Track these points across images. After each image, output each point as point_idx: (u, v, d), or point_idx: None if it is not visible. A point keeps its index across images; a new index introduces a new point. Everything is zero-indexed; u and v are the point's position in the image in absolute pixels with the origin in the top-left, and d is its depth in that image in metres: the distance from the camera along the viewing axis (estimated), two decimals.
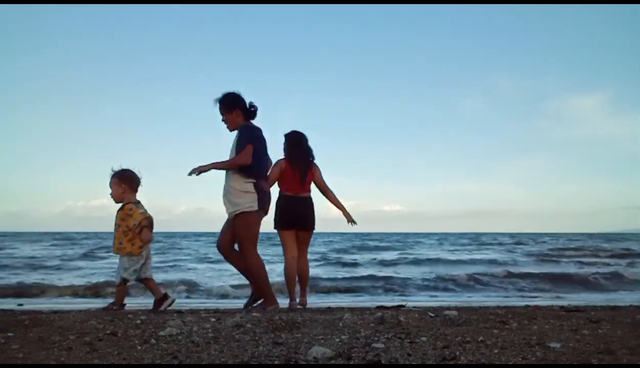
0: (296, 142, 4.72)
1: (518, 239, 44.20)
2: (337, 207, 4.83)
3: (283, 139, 4.89)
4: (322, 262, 16.18)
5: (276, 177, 4.60)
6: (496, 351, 2.68)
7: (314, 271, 9.57)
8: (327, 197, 4.82)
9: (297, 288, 5.20)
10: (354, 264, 15.38)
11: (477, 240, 44.71)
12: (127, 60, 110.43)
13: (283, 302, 5.08)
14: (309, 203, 4.67)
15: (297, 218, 4.62)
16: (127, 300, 5.07)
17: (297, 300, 5.05)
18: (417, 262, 16.85)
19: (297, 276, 4.92)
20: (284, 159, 4.67)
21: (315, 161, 4.73)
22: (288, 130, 4.72)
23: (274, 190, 4.69)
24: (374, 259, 17.56)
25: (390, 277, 11.18)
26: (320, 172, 4.77)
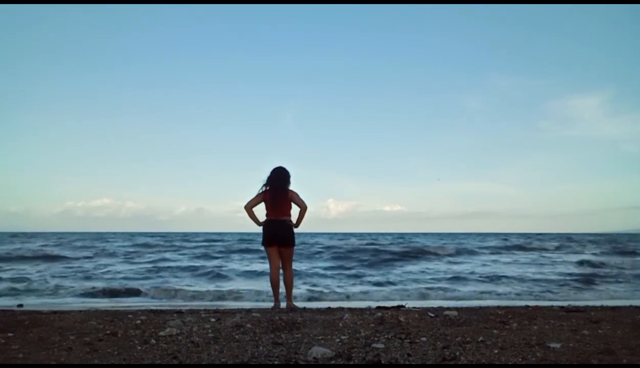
0: (275, 177, 5.56)
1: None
2: (298, 218, 5.64)
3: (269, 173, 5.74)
4: None
5: (257, 203, 5.50)
6: (496, 351, 2.68)
7: None
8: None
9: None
10: None
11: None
12: (125, 62, 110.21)
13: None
14: (285, 225, 5.42)
15: (275, 237, 5.40)
16: (127, 302, 5.07)
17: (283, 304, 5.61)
18: None
19: (284, 285, 5.63)
20: (265, 190, 5.46)
21: (291, 188, 5.57)
22: (274, 166, 5.62)
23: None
24: None
25: None
26: (296, 194, 5.57)
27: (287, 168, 5.58)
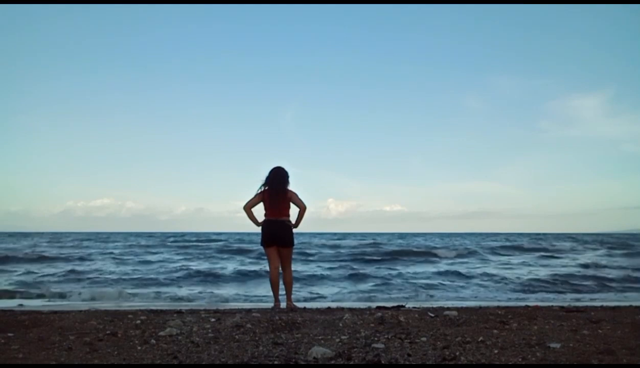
0: (274, 177, 5.45)
1: None
2: (297, 218, 5.64)
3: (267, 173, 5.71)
4: None
5: (256, 203, 5.49)
6: (496, 351, 2.68)
7: None
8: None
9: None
10: None
11: None
12: (124, 62, 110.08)
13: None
14: (284, 225, 5.42)
15: (273, 238, 5.40)
16: (127, 302, 5.08)
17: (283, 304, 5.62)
18: None
19: (284, 285, 5.64)
20: (264, 191, 5.45)
21: (290, 188, 5.54)
22: (273, 166, 5.59)
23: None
24: None
25: None
26: (295, 195, 5.46)
27: (286, 168, 5.57)
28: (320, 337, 3.15)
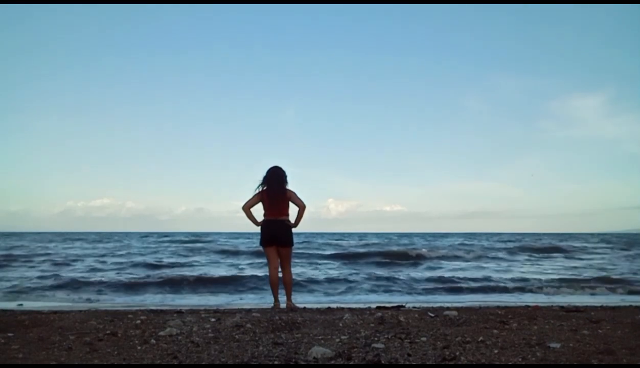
0: (272, 177, 5.44)
1: None
2: (297, 217, 5.63)
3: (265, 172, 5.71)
4: None
5: (255, 203, 5.48)
6: (496, 351, 2.68)
7: None
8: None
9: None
10: None
11: None
12: (125, 62, 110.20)
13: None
14: (283, 225, 5.40)
15: (273, 237, 5.38)
16: (128, 301, 5.08)
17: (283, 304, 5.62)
18: None
19: (283, 286, 5.63)
20: (263, 190, 5.45)
21: (289, 187, 5.52)
22: (270, 165, 5.59)
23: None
24: None
25: None
26: (294, 194, 5.45)
27: (284, 167, 5.55)
28: (320, 337, 3.15)
